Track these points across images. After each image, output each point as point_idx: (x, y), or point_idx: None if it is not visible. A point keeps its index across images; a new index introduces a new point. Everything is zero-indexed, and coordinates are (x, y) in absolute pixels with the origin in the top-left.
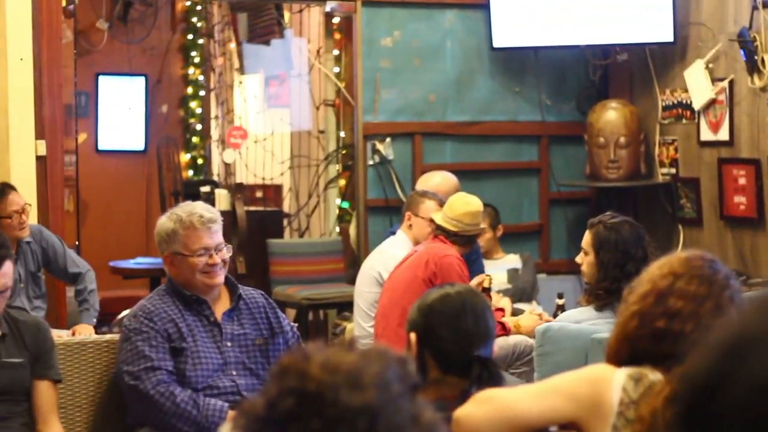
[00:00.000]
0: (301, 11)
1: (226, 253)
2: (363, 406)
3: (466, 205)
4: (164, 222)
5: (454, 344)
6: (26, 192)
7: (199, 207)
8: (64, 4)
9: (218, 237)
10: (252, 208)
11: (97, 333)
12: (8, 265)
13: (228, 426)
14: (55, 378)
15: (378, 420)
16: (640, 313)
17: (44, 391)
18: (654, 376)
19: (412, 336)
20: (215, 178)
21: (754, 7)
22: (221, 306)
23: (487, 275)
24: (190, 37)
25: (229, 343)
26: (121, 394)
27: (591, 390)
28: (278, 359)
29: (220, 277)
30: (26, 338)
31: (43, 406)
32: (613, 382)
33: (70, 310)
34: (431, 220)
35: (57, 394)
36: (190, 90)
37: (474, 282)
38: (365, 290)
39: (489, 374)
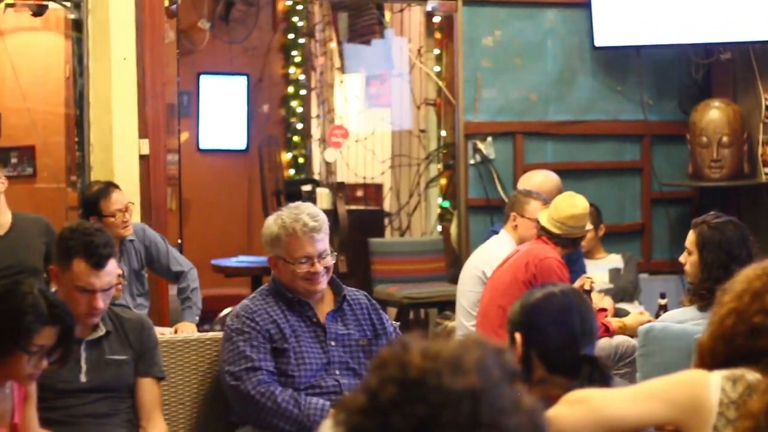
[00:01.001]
0: (402, 10)
1: (330, 260)
2: (466, 390)
3: (571, 207)
4: (270, 225)
5: (561, 343)
6: (129, 191)
7: (305, 213)
8: (166, 4)
9: (322, 245)
10: (353, 207)
11: (198, 331)
12: (112, 264)
13: (329, 422)
14: (159, 375)
15: (481, 403)
16: (736, 311)
17: (148, 389)
18: (752, 376)
19: (517, 336)
20: (316, 177)
21: None
22: (325, 306)
23: (588, 277)
24: (291, 36)
25: (333, 343)
26: (223, 392)
27: (689, 393)
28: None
29: (322, 284)
30: (130, 336)
31: (146, 404)
32: (711, 383)
33: (173, 308)
34: (536, 221)
35: (160, 392)
36: (291, 89)
37: (575, 285)
38: (468, 289)
39: (600, 374)
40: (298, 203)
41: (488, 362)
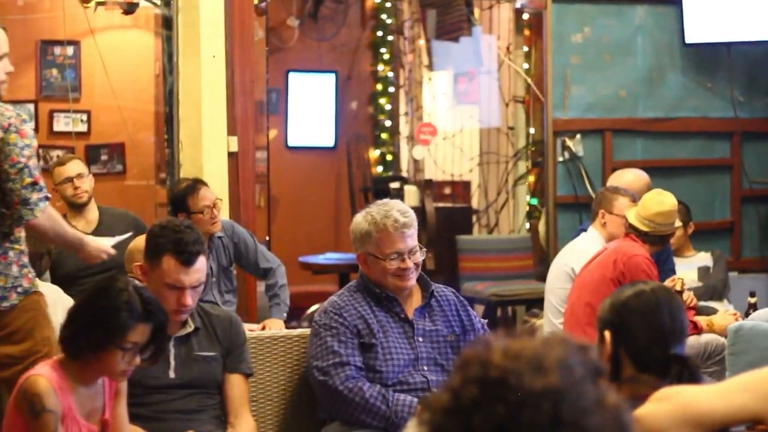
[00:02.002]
0: (491, 7)
1: (420, 256)
2: (547, 390)
3: (659, 204)
4: (359, 221)
5: (650, 342)
6: (218, 187)
7: (395, 210)
8: (255, 2)
9: (412, 241)
10: (440, 205)
11: (286, 327)
12: (202, 260)
13: (415, 421)
14: (247, 372)
15: (562, 403)
16: None
17: (236, 385)
18: None
19: (606, 334)
20: (404, 174)
21: None
22: (413, 303)
23: (679, 278)
24: (379, 33)
25: (420, 339)
26: (311, 388)
27: None
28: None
29: (412, 280)
30: (219, 332)
31: (234, 400)
32: None
33: (260, 305)
34: (624, 218)
35: (248, 388)
36: (379, 87)
37: (666, 284)
38: (557, 286)
39: (689, 373)
40: (387, 200)
41: (571, 360)
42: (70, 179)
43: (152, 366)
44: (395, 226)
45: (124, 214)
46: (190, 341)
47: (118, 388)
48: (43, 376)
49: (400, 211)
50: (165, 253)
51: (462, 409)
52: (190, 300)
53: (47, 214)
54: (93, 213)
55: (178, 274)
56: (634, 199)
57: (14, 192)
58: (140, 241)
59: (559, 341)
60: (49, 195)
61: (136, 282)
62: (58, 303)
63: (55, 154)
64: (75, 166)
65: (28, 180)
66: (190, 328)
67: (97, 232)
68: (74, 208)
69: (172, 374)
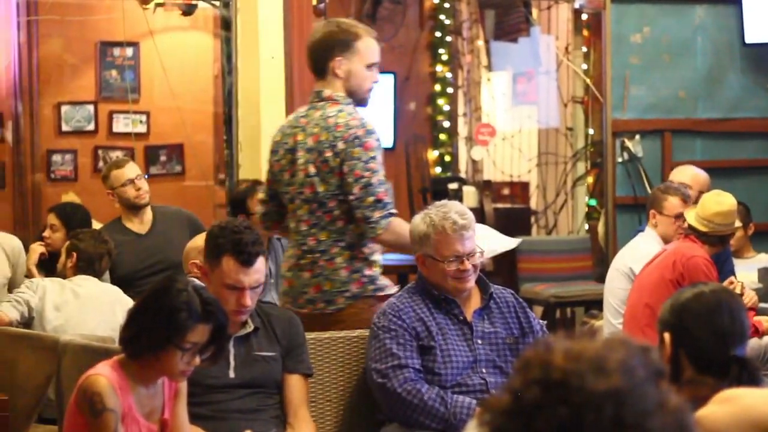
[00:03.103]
0: (549, 8)
1: (478, 258)
2: (609, 391)
3: (718, 204)
4: (418, 223)
5: (711, 343)
6: None
7: (453, 211)
8: (314, 2)
9: (470, 244)
10: (499, 206)
11: None
12: (261, 261)
13: (475, 422)
14: (307, 372)
15: (625, 405)
16: None
17: (295, 385)
18: None
19: (666, 335)
20: (462, 175)
21: None
22: (472, 305)
23: (739, 281)
24: (438, 34)
25: (479, 341)
26: (370, 389)
27: None
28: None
29: (471, 282)
30: (278, 332)
31: (293, 400)
32: None
33: None
34: (679, 218)
35: (308, 388)
36: (437, 87)
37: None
38: (616, 286)
39: (749, 375)
40: (445, 201)
41: (632, 362)
42: (131, 181)
43: (212, 366)
44: (453, 228)
45: (177, 212)
46: (250, 341)
47: (178, 388)
48: (103, 375)
49: (459, 212)
50: (224, 253)
51: (523, 411)
52: (249, 300)
53: (391, 230)
54: (148, 213)
55: (238, 275)
56: (685, 197)
57: (357, 208)
58: (198, 239)
59: (620, 343)
60: (394, 211)
61: (196, 282)
62: (117, 303)
63: (115, 155)
64: (134, 168)
65: (371, 200)
66: (250, 328)
67: (153, 231)
68: (132, 209)
69: (231, 374)
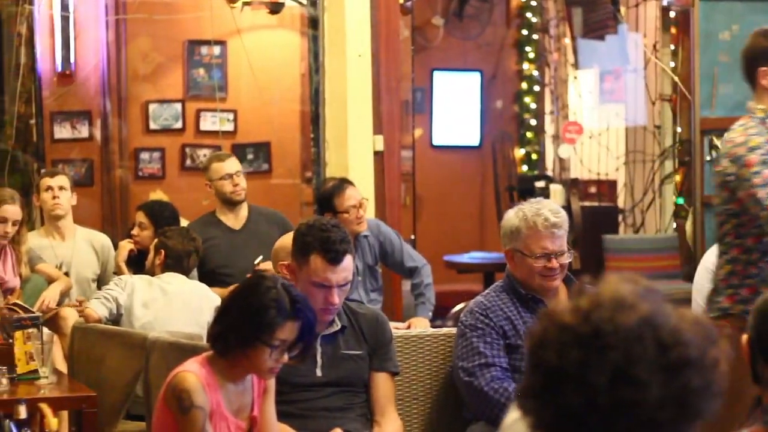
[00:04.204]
0: (637, 5)
1: (567, 258)
2: (642, 320)
3: None
4: (510, 217)
5: None
6: (364, 187)
7: (546, 208)
8: (401, 1)
9: (561, 242)
10: (586, 204)
11: (431, 326)
12: (348, 259)
13: (515, 413)
14: (393, 370)
15: (659, 327)
16: None
17: (382, 383)
18: None
19: (744, 337)
20: (549, 173)
21: None
22: None
23: None
24: (524, 32)
25: None
26: (457, 388)
27: None
28: None
29: (558, 281)
30: (365, 330)
31: (380, 398)
32: None
33: (406, 303)
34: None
35: (395, 387)
36: (524, 85)
37: None
38: (705, 285)
39: None
40: (540, 199)
41: (642, 289)
42: (230, 176)
43: (300, 364)
44: (545, 224)
45: (273, 214)
46: (337, 340)
47: (267, 386)
48: (192, 372)
49: (552, 210)
50: (312, 251)
51: (569, 376)
52: (337, 299)
53: None
54: (244, 210)
55: (326, 273)
56: None
57: None
58: (285, 239)
59: (618, 280)
60: None
61: (285, 280)
62: (205, 300)
63: (202, 153)
64: (234, 163)
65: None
66: (337, 326)
67: (246, 228)
68: (227, 203)
69: (319, 372)
